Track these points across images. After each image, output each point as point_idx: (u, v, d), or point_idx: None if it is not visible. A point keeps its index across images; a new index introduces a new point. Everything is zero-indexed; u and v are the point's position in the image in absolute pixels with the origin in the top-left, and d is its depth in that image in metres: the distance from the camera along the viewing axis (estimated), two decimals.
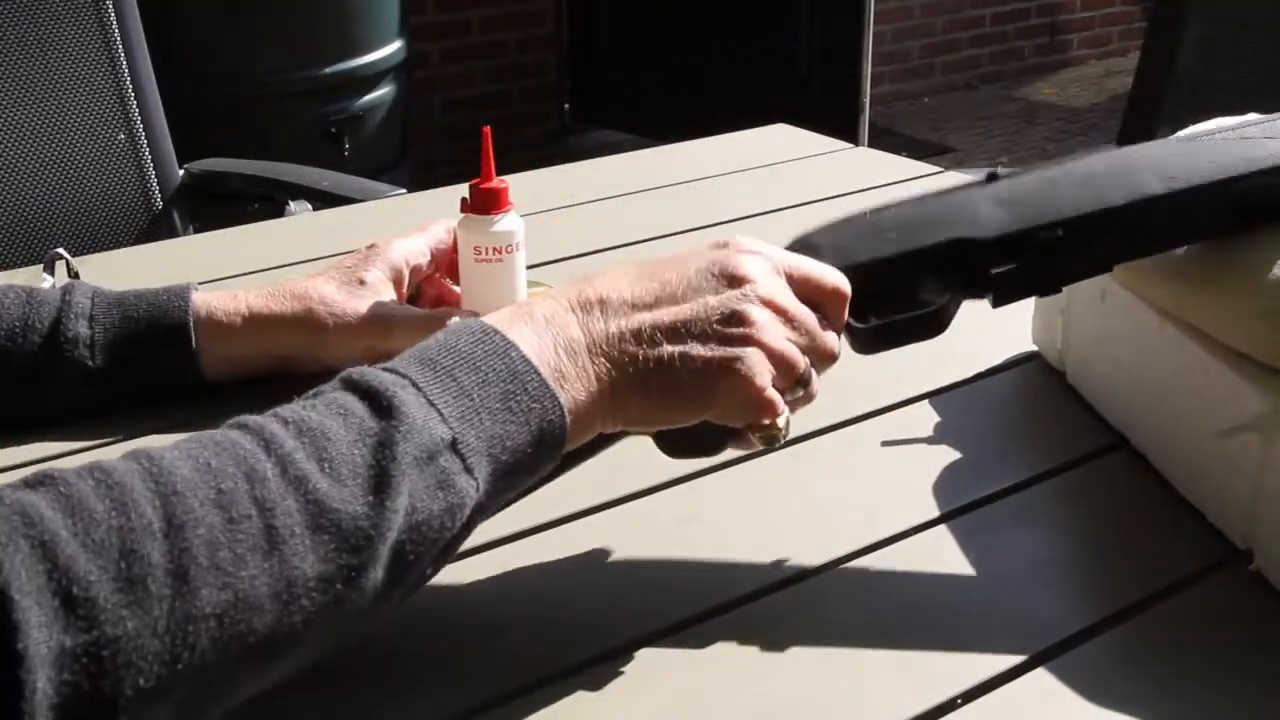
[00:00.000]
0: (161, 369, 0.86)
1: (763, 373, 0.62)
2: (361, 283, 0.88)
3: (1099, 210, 0.70)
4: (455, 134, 3.80)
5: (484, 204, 0.92)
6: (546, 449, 0.59)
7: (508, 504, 0.61)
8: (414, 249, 0.92)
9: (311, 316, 0.86)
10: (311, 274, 0.90)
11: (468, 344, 0.58)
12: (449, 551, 0.57)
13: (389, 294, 0.89)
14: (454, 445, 0.55)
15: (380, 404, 0.55)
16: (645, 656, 0.65)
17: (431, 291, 0.95)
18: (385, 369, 0.57)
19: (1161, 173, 0.72)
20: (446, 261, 0.95)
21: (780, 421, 0.64)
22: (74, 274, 1.10)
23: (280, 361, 0.88)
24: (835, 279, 0.68)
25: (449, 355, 0.58)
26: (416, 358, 0.58)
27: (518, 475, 0.58)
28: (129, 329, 0.85)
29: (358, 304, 0.87)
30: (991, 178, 0.72)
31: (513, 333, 0.60)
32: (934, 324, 0.70)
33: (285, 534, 0.49)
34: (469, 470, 0.55)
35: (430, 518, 0.54)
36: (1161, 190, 0.71)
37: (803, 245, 0.70)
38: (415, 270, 0.92)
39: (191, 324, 0.86)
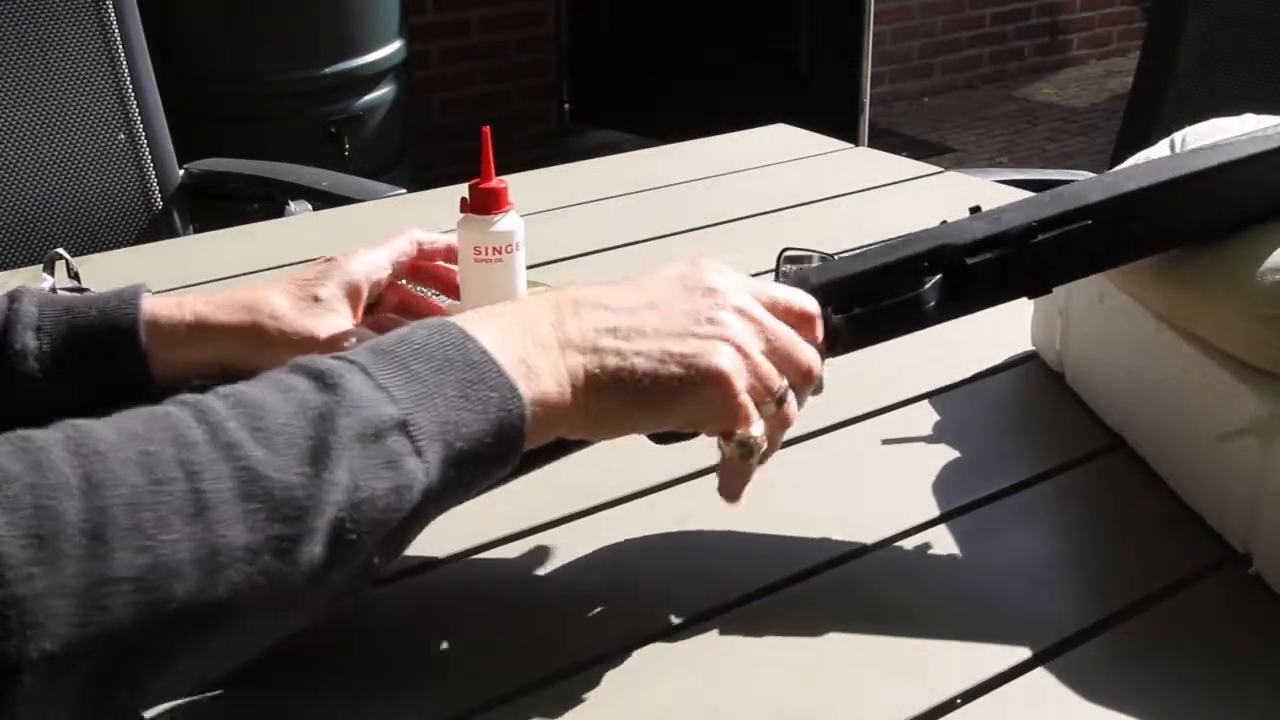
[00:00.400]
0: (112, 375, 0.84)
1: (738, 373, 0.62)
2: (316, 299, 0.86)
3: (1075, 208, 0.72)
4: (455, 134, 3.80)
5: (484, 204, 0.92)
6: (507, 440, 0.57)
7: (467, 498, 0.59)
8: (374, 264, 0.89)
9: (259, 330, 0.83)
10: (266, 284, 0.88)
11: (423, 336, 0.57)
12: (399, 540, 0.54)
13: (344, 311, 0.86)
14: (403, 426, 0.53)
15: (325, 382, 0.53)
16: (645, 656, 0.65)
17: (393, 298, 0.93)
18: (335, 356, 0.56)
19: (1137, 176, 0.74)
20: (408, 268, 0.93)
21: (755, 431, 0.63)
22: (74, 274, 1.10)
23: (226, 369, 0.85)
24: (802, 301, 0.67)
25: (404, 346, 0.57)
26: (370, 348, 0.57)
27: (475, 465, 0.56)
28: (77, 338, 0.83)
29: (309, 321, 0.84)
30: (974, 211, 0.75)
31: (474, 328, 0.58)
32: (915, 312, 0.71)
33: (212, 499, 0.48)
34: (418, 452, 0.53)
35: (374, 496, 0.52)
36: (1136, 187, 0.72)
37: (791, 277, 0.72)
38: (374, 286, 0.90)
39: (142, 330, 0.83)
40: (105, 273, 1.09)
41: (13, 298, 0.82)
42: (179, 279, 1.12)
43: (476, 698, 0.62)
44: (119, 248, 1.33)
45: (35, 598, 0.43)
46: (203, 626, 0.48)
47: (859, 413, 0.88)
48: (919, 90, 4.88)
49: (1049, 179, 1.30)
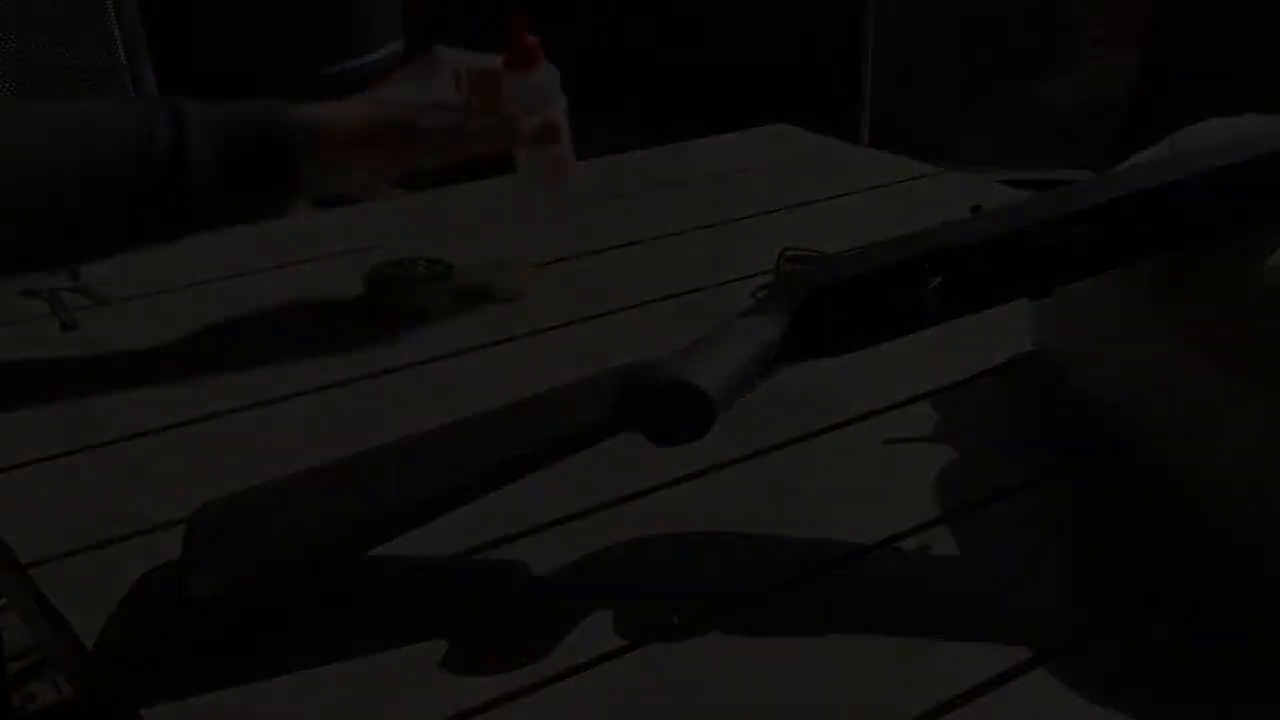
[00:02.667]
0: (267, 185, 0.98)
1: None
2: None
3: (1075, 209, 0.72)
4: None
5: (521, 62, 0.97)
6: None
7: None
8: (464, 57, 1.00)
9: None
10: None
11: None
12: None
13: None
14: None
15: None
16: (645, 656, 0.65)
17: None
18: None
19: (1138, 176, 0.74)
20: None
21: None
22: (74, 274, 1.10)
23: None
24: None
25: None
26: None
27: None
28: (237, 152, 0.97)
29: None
30: (974, 210, 0.74)
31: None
32: (916, 313, 0.71)
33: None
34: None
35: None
36: (1137, 187, 0.72)
37: (792, 280, 0.73)
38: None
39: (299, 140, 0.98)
40: (105, 272, 1.09)
41: (178, 122, 0.96)
42: (179, 279, 1.12)
43: (476, 698, 0.62)
44: None
45: None
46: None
47: (859, 413, 0.88)
48: (919, 90, 4.88)
49: (1049, 179, 1.30)
